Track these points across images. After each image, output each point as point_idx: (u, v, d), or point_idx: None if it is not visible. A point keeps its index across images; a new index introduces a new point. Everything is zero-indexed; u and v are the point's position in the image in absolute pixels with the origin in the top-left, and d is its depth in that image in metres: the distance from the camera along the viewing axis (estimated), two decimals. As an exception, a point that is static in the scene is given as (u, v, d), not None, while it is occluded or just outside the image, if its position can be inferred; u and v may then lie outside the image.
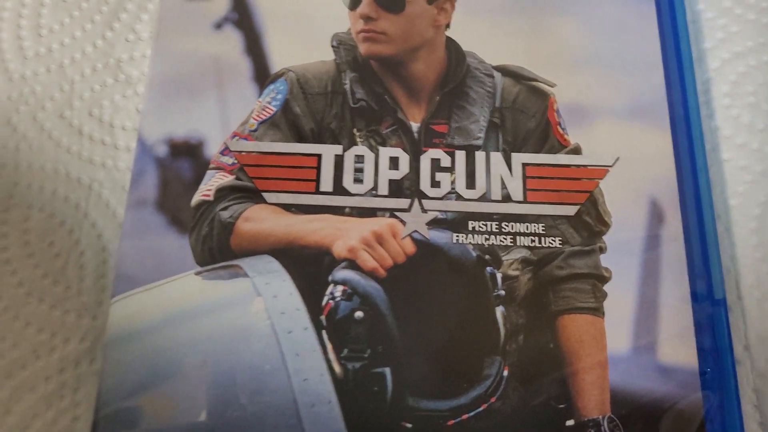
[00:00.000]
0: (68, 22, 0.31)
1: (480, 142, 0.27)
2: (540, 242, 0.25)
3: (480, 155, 0.26)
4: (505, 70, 0.28)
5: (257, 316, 0.24)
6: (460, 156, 0.26)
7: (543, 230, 0.25)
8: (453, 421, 0.23)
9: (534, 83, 0.28)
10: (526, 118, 0.27)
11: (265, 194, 0.26)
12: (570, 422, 0.23)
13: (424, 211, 0.26)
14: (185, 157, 0.27)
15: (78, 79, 0.29)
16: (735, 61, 0.30)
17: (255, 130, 0.27)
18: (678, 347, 0.24)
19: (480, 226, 0.26)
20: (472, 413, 0.23)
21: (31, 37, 0.30)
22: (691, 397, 0.23)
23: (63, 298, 0.26)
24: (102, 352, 0.24)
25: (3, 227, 0.27)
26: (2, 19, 0.30)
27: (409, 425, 0.23)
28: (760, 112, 0.29)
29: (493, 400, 0.23)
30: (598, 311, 0.25)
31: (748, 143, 0.29)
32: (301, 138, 0.27)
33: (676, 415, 0.23)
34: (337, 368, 0.24)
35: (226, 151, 0.26)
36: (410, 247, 0.25)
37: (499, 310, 0.25)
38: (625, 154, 0.26)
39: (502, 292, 0.25)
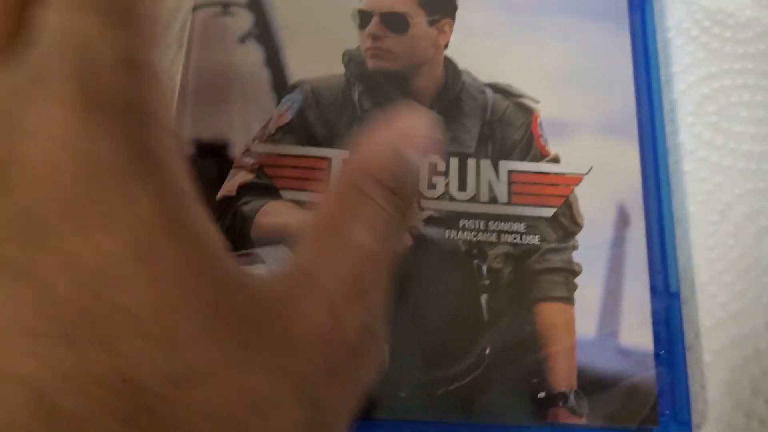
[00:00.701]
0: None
1: (472, 150, 0.30)
2: (521, 239, 0.29)
3: (471, 162, 0.30)
4: (495, 87, 0.31)
5: None
6: (454, 162, 0.30)
7: (524, 229, 0.29)
8: (442, 390, 0.27)
9: (520, 100, 0.31)
10: (513, 130, 0.31)
11: (282, 191, 0.29)
12: (542, 394, 0.26)
13: (421, 209, 0.29)
14: (211, 157, 0.30)
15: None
16: (699, 84, 0.33)
17: (273, 135, 0.30)
18: (637, 332, 0.28)
19: (469, 224, 0.29)
20: (458, 384, 0.27)
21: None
22: (646, 374, 0.27)
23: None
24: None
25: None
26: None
27: (403, 394, 0.26)
28: (719, 129, 0.33)
29: (476, 373, 0.27)
30: (569, 300, 0.28)
31: (707, 157, 0.32)
32: (314, 142, 0.30)
33: (633, 389, 0.27)
34: None
35: (247, 152, 0.29)
36: (408, 241, 0.28)
37: (484, 297, 0.28)
38: (598, 165, 0.30)
39: (487, 282, 0.28)
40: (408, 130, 0.20)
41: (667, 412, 0.27)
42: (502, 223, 0.29)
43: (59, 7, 0.17)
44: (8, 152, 0.15)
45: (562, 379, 0.27)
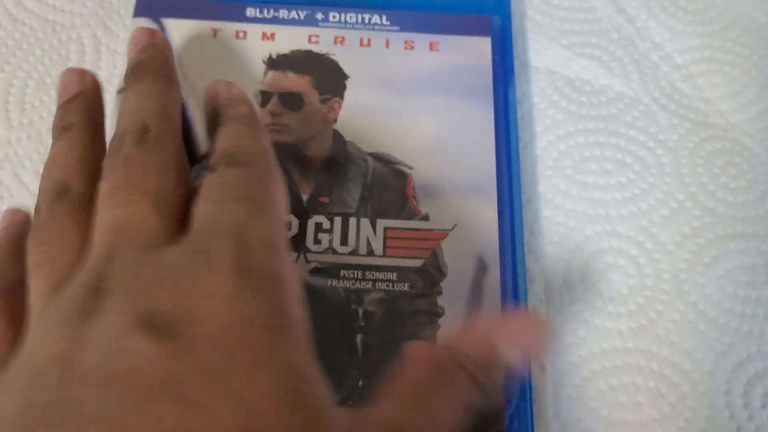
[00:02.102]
0: (47, 99, 0.39)
1: (353, 210, 0.35)
2: (393, 287, 0.33)
3: (353, 220, 0.35)
4: (375, 156, 0.36)
5: None
6: (338, 221, 0.35)
7: (396, 278, 0.34)
8: (319, 419, 0.31)
9: (397, 166, 0.36)
10: (390, 192, 0.35)
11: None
12: (405, 419, 0.31)
13: (308, 261, 0.34)
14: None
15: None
16: (557, 142, 0.39)
17: (183, 199, 0.35)
18: (489, 365, 0.32)
19: (349, 274, 0.34)
20: (333, 413, 0.31)
21: (16, 110, 0.38)
22: (497, 404, 0.32)
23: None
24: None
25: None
26: (-6, 96, 0.39)
27: (286, 421, 0.31)
28: (573, 181, 0.38)
29: (349, 403, 0.31)
30: (433, 338, 0.33)
31: (563, 204, 0.37)
32: (217, 205, 0.35)
33: (484, 414, 0.31)
34: None
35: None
36: (295, 289, 0.33)
37: (359, 337, 0.32)
38: (461, 222, 0.35)
39: (362, 323, 0.33)
40: (516, 334, 0.25)
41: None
42: (378, 273, 0.34)
43: (216, 200, 0.23)
44: (187, 311, 0.20)
45: (424, 406, 0.31)
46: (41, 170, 0.36)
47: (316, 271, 0.33)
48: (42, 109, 0.39)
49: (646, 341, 0.34)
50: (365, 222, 0.35)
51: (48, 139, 0.37)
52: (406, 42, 0.39)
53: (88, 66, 0.40)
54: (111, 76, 0.40)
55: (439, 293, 0.33)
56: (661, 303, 0.35)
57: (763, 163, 0.38)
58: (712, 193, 0.37)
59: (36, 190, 0.35)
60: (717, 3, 0.42)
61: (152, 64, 0.30)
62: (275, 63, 0.38)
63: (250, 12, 0.39)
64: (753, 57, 0.41)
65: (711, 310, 0.35)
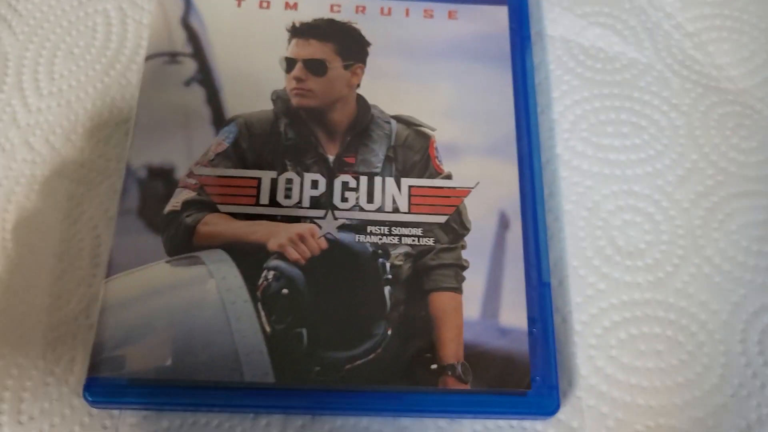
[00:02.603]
0: (75, 69, 0.40)
1: (378, 170, 0.36)
2: (419, 241, 0.35)
3: (378, 179, 0.36)
4: (398, 119, 0.37)
5: (210, 292, 0.32)
6: (363, 180, 0.36)
7: (421, 233, 0.35)
8: (350, 365, 0.32)
9: (419, 128, 0.37)
10: (413, 153, 0.37)
11: (219, 206, 0.34)
12: (434, 366, 0.32)
13: (336, 219, 0.35)
14: (160, 179, 0.35)
15: (81, 112, 0.38)
16: (574, 107, 0.40)
17: (213, 160, 0.36)
18: (513, 315, 0.33)
19: (375, 230, 0.35)
20: (363, 360, 0.32)
21: (45, 79, 0.39)
22: (520, 348, 0.33)
23: (67, 270, 0.35)
24: (95, 312, 0.33)
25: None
26: (24, 65, 0.40)
27: (318, 368, 0.32)
28: (589, 143, 0.39)
29: (379, 351, 0.32)
30: (458, 290, 0.34)
31: (580, 165, 0.38)
32: (246, 166, 0.35)
33: (510, 360, 0.32)
34: (267, 329, 0.32)
35: (190, 174, 0.35)
36: (324, 244, 0.34)
37: (387, 289, 0.34)
38: (483, 180, 0.36)
39: (390, 276, 0.34)
40: None
41: (537, 378, 0.32)
42: (403, 228, 0.35)
43: None
44: None
45: (451, 353, 0.32)
46: (71, 136, 0.37)
47: (344, 227, 0.34)
48: (71, 78, 0.40)
49: (664, 293, 0.35)
50: (390, 181, 0.36)
51: (77, 107, 0.38)
52: (425, 11, 0.40)
53: (114, 38, 0.41)
54: (138, 47, 0.41)
55: (464, 247, 0.34)
56: (677, 257, 0.36)
57: (773, 125, 0.39)
58: (724, 154, 0.38)
59: (67, 156, 0.37)
60: (725, -27, 0.44)
61: None
62: (299, 31, 0.39)
63: (274, -18, 0.41)
64: (761, 24, 0.42)
65: (726, 263, 0.36)
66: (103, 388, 0.31)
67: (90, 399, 0.31)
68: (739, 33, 0.42)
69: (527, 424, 0.33)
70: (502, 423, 0.33)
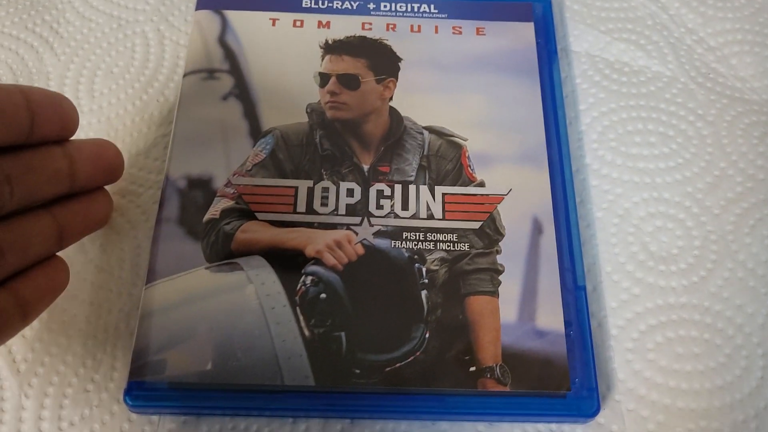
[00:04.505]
0: (115, 87, 0.41)
1: (412, 178, 0.37)
2: (454, 247, 0.35)
3: (412, 188, 0.36)
4: (431, 129, 0.38)
5: (250, 297, 0.33)
6: (398, 188, 0.36)
7: (456, 239, 0.35)
8: (389, 368, 0.32)
9: (452, 138, 0.38)
10: (446, 162, 0.37)
11: (257, 214, 0.35)
12: (472, 368, 0.32)
13: (371, 225, 0.35)
14: (199, 188, 0.36)
15: (121, 128, 0.39)
16: (601, 118, 0.41)
17: (250, 170, 0.36)
18: (550, 317, 0.33)
19: (411, 236, 0.35)
20: (403, 363, 0.32)
21: (86, 97, 0.41)
22: (558, 350, 0.33)
23: (107, 281, 0.35)
24: (136, 319, 0.33)
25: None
26: (65, 84, 0.41)
27: (357, 371, 0.32)
28: (618, 152, 0.39)
29: (418, 354, 0.32)
30: (494, 293, 0.34)
31: (609, 174, 0.39)
32: (283, 175, 0.36)
33: (548, 362, 0.32)
34: (306, 333, 0.32)
35: (228, 184, 0.36)
36: (360, 250, 0.35)
37: (423, 294, 0.34)
38: (516, 187, 0.36)
39: (426, 281, 0.34)
40: None
41: (577, 380, 0.32)
42: (438, 234, 0.35)
43: None
44: None
45: (489, 355, 0.32)
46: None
47: (379, 234, 0.35)
48: (111, 96, 0.41)
49: (699, 297, 0.35)
50: (424, 189, 0.36)
51: (117, 123, 0.39)
52: (454, 28, 0.41)
53: (152, 57, 0.42)
54: (175, 66, 0.42)
55: (498, 252, 0.35)
56: (710, 262, 0.36)
57: (799, 133, 0.40)
58: (752, 162, 0.39)
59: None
60: (745, -10, 0.45)
61: None
62: (332, 48, 0.40)
63: (306, 2, 0.42)
64: (782, 38, 0.43)
65: (759, 267, 0.36)
66: (144, 392, 0.31)
67: (130, 403, 0.31)
68: (761, 46, 0.43)
69: (567, 427, 0.33)
70: (542, 427, 0.33)
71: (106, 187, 0.35)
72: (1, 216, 0.28)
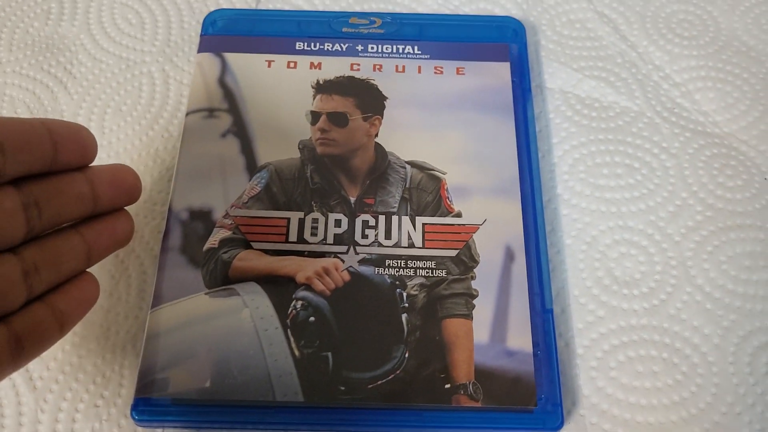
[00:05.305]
0: (123, 124, 0.45)
1: (395, 210, 0.40)
2: (432, 273, 0.38)
3: (395, 218, 0.40)
4: (412, 164, 0.41)
5: (245, 321, 0.36)
6: (382, 219, 0.39)
7: (434, 266, 0.38)
8: (372, 385, 0.35)
9: (431, 172, 0.41)
10: (426, 194, 0.40)
11: (252, 243, 0.38)
12: (447, 385, 0.35)
13: (357, 253, 0.39)
14: (199, 220, 0.39)
15: (128, 162, 0.42)
16: (572, 151, 0.44)
17: (246, 203, 0.40)
18: (519, 339, 0.36)
19: (393, 263, 0.38)
20: (384, 380, 0.35)
21: (97, 133, 0.44)
22: (526, 369, 0.36)
23: (116, 305, 0.39)
24: (142, 341, 0.36)
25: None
26: (77, 121, 0.45)
27: (342, 388, 0.35)
28: (587, 183, 0.42)
29: (398, 372, 0.35)
30: (468, 316, 0.37)
31: (578, 203, 0.42)
32: (277, 207, 0.39)
33: (517, 380, 0.35)
34: (296, 353, 0.35)
35: (227, 215, 0.39)
36: (347, 277, 0.38)
37: (404, 316, 0.37)
38: (490, 217, 0.39)
39: (406, 305, 0.37)
40: None
41: (543, 396, 0.35)
42: (418, 262, 0.38)
43: None
44: None
45: (463, 373, 0.35)
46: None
47: (364, 261, 0.38)
48: (119, 132, 0.44)
49: (659, 319, 0.38)
50: (406, 219, 0.39)
51: (125, 158, 0.43)
52: (435, 68, 0.45)
53: (158, 96, 0.46)
54: (179, 104, 0.45)
55: (473, 278, 0.38)
56: (670, 286, 0.39)
57: (756, 165, 0.43)
58: (712, 192, 0.42)
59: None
60: (710, 29, 0.48)
61: None
62: (322, 87, 0.44)
63: (299, 45, 0.45)
64: (743, 74, 0.46)
65: (716, 291, 0.39)
66: (149, 407, 0.35)
67: (137, 418, 0.35)
68: (723, 82, 0.46)
69: (535, 440, 0.36)
70: (512, 439, 0.36)
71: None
72: (33, 236, 0.30)
